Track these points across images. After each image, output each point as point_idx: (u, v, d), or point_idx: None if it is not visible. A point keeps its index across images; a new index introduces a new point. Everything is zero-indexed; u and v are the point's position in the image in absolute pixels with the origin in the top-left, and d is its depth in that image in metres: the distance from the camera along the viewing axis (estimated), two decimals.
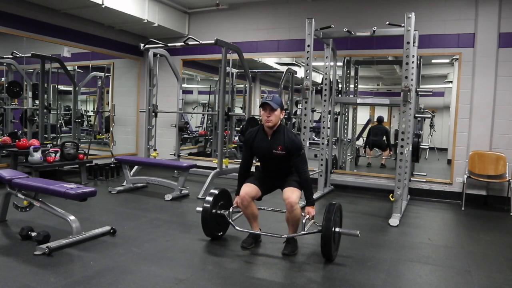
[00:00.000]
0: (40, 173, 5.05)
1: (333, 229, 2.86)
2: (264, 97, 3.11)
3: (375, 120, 7.72)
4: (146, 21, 6.08)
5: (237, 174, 3.29)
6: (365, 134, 7.81)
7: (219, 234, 3.37)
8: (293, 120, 7.76)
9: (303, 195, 3.08)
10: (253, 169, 3.36)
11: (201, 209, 3.22)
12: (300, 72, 7.74)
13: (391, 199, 4.15)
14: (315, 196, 5.01)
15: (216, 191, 3.31)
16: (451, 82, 6.68)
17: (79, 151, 5.65)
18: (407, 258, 3.15)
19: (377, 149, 7.58)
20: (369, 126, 7.82)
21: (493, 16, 5.05)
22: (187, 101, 8.22)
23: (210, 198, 3.24)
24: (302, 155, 3.03)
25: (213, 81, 8.45)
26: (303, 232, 2.97)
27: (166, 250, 3.05)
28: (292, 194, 2.98)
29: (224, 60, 5.30)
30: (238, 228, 3.10)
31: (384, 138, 7.55)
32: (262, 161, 3.25)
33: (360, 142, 7.73)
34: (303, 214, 3.02)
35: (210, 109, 8.71)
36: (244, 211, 3.16)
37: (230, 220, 3.18)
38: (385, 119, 7.96)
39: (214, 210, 3.23)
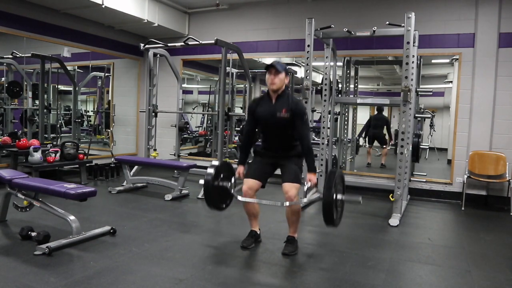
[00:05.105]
0: (40, 173, 5.05)
1: (334, 197, 2.82)
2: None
3: (376, 110, 7.58)
4: (146, 21, 6.08)
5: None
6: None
7: (223, 206, 3.27)
8: None
9: (302, 192, 3.07)
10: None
11: (203, 181, 3.11)
12: (300, 72, 7.73)
13: (391, 199, 4.15)
14: (315, 196, 5.03)
15: (216, 163, 3.21)
16: (451, 82, 6.68)
17: (79, 151, 5.66)
18: (407, 258, 3.15)
19: (377, 149, 7.56)
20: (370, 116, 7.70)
21: (493, 16, 5.05)
22: (187, 101, 8.21)
23: (211, 170, 3.12)
24: (305, 120, 3.01)
25: (213, 81, 8.45)
26: (304, 201, 2.95)
27: (166, 250, 3.05)
28: (292, 188, 2.97)
29: (224, 60, 5.29)
30: (240, 198, 3.04)
31: (385, 129, 7.45)
32: (265, 128, 3.15)
33: (360, 142, 7.72)
34: (304, 183, 3.00)
35: (210, 109, 8.71)
36: (246, 206, 3.15)
37: (232, 190, 3.14)
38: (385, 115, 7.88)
39: (216, 182, 3.13)
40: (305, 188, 2.97)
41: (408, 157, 4.58)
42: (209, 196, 3.12)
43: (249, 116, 3.20)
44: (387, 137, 7.45)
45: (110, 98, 7.13)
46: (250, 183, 3.09)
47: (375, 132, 7.38)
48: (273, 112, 3.01)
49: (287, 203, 2.95)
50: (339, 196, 2.91)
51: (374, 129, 7.41)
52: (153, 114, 6.19)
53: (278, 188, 3.26)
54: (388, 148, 7.32)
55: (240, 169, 3.17)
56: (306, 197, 2.94)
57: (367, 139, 7.44)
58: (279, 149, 3.12)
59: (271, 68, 2.97)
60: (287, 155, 3.09)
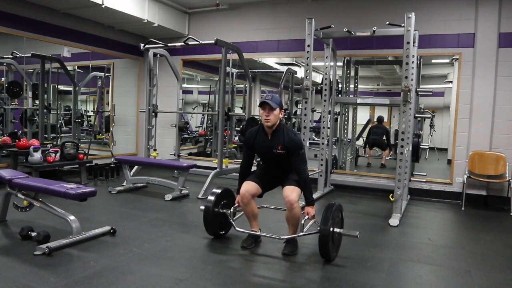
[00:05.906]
0: (40, 173, 5.04)
1: (331, 230, 2.86)
2: (263, 97, 3.11)
3: (375, 120, 7.74)
4: (146, 21, 6.08)
5: (237, 174, 3.30)
6: (365, 134, 7.83)
7: (222, 232, 3.37)
8: (293, 120, 7.77)
9: (303, 195, 3.08)
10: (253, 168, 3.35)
11: (203, 207, 3.23)
12: (300, 72, 7.74)
13: (391, 199, 4.15)
14: (315, 196, 5.02)
15: (218, 190, 3.32)
16: (451, 82, 6.68)
17: (79, 151, 5.65)
18: (407, 258, 3.15)
19: (377, 149, 7.59)
20: (369, 126, 7.84)
21: (493, 16, 5.05)
22: (187, 101, 8.21)
23: (212, 197, 3.26)
24: (301, 154, 3.03)
25: (213, 81, 8.45)
26: (302, 233, 2.97)
27: (166, 250, 3.05)
28: (292, 192, 2.98)
29: (224, 60, 5.30)
30: (238, 229, 3.10)
31: (384, 137, 7.57)
32: (263, 160, 3.26)
33: (360, 142, 7.74)
34: (302, 212, 3.03)
35: (210, 109, 8.71)
36: (244, 209, 3.16)
37: (231, 219, 3.18)
38: (385, 119, 7.96)
39: (216, 209, 3.24)
40: (303, 220, 2.99)
41: (408, 157, 4.58)
42: (208, 223, 3.24)
43: (246, 148, 3.23)
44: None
45: (110, 103, 7.13)
46: (248, 186, 3.11)
47: (375, 139, 7.58)
48: (270, 148, 3.06)
49: (285, 237, 3.04)
50: (337, 230, 2.94)
51: (374, 135, 7.60)
52: (153, 114, 6.20)
53: (278, 189, 3.26)
54: (387, 154, 7.40)
55: (238, 197, 3.17)
56: (303, 230, 2.96)
57: (367, 144, 7.53)
58: (279, 172, 3.20)
59: (265, 105, 2.98)
60: (287, 174, 3.15)
